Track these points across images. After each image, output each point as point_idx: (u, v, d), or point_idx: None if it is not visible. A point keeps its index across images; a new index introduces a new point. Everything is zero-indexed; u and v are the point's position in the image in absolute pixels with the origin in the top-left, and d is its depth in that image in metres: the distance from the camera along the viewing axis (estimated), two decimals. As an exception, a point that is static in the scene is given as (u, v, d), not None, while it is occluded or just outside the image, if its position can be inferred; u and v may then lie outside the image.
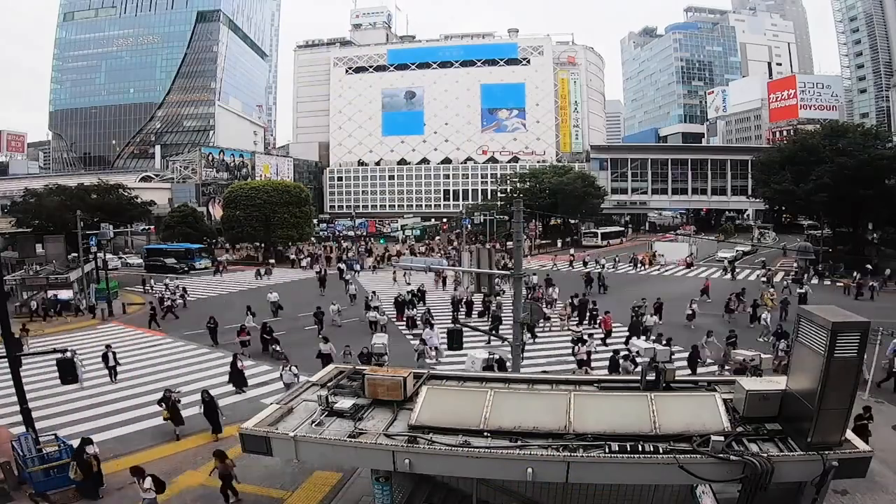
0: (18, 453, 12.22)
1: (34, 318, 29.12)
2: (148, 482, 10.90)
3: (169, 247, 54.66)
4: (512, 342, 14.73)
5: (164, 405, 14.77)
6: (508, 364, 14.84)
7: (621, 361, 17.74)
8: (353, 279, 39.05)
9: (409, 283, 38.16)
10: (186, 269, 49.75)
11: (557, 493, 9.13)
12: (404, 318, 27.99)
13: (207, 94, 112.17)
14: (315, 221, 72.12)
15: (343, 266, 46.15)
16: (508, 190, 77.76)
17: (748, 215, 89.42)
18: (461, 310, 29.69)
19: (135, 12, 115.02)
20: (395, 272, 41.77)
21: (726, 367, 18.04)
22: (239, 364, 18.06)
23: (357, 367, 11.55)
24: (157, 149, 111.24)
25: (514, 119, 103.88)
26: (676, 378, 10.00)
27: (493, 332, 21.22)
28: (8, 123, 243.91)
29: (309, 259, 52.65)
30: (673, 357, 10.17)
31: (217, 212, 74.08)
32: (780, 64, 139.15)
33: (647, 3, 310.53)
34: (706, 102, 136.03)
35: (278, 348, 21.01)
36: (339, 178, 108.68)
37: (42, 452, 12.28)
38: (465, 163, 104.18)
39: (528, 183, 76.25)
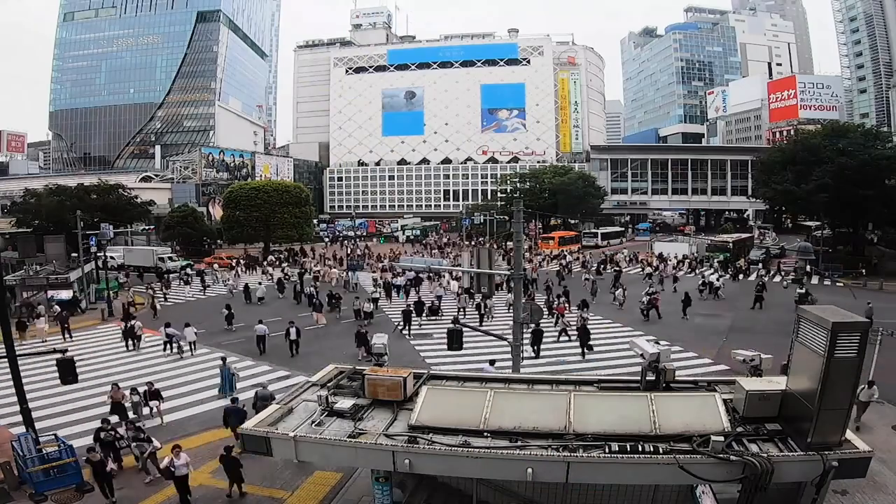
0: (18, 453, 12.21)
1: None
2: (183, 457, 11.45)
3: None
4: (512, 342, 14.73)
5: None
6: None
7: None
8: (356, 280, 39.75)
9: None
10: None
11: (557, 493, 9.12)
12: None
13: (207, 94, 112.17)
14: (315, 221, 72.10)
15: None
16: (508, 190, 77.77)
17: (748, 216, 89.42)
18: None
19: (135, 12, 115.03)
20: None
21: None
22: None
23: (357, 367, 11.56)
24: (157, 149, 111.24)
25: (514, 119, 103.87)
26: (676, 378, 10.00)
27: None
28: (8, 123, 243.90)
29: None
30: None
31: (217, 212, 74.03)
32: (780, 64, 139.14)
33: (647, 3, 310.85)
34: (706, 102, 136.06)
35: None
36: (339, 179, 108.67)
37: (42, 452, 12.27)
38: (465, 163, 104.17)
39: (528, 183, 76.27)
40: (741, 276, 41.37)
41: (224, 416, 14.19)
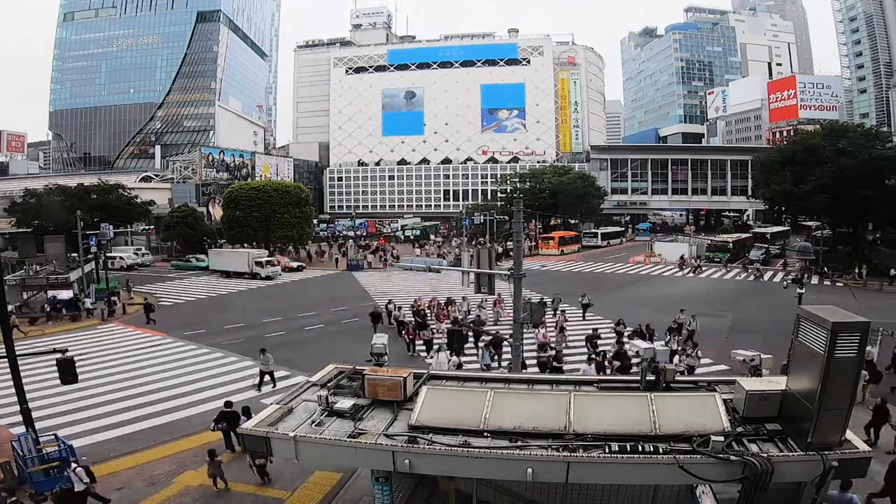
0: (18, 453, 12.21)
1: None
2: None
3: None
4: (512, 342, 14.74)
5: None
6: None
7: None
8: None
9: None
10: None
11: (557, 493, 9.13)
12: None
13: (207, 94, 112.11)
14: (315, 221, 72.09)
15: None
16: (508, 190, 77.78)
17: (748, 216, 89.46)
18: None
19: (135, 12, 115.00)
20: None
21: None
22: None
23: (357, 367, 11.56)
24: (157, 149, 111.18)
25: (514, 119, 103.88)
26: (676, 378, 10.01)
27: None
28: (8, 123, 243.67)
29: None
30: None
31: (217, 212, 74.00)
32: (780, 64, 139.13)
33: (647, 3, 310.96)
34: (706, 102, 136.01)
35: None
36: (339, 179, 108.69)
37: (42, 452, 12.27)
38: (465, 163, 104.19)
39: (528, 183, 76.27)
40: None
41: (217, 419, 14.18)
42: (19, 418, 13.19)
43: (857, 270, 39.74)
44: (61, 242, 46.41)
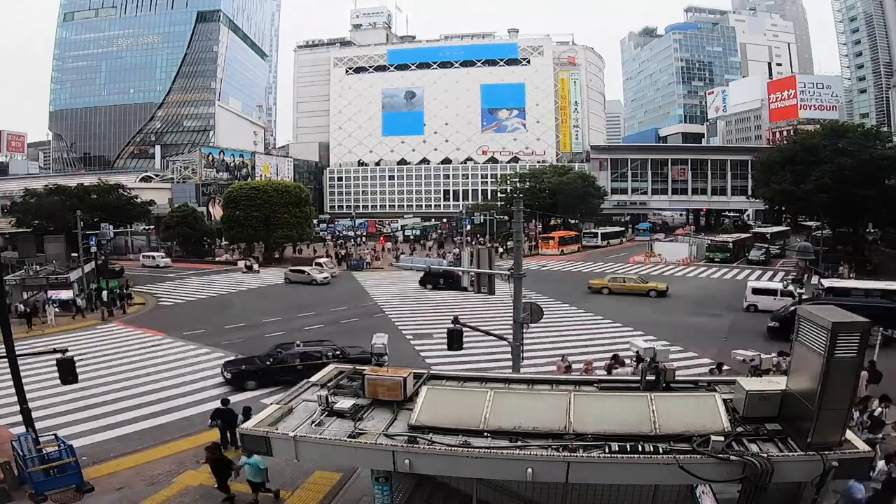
0: (18, 453, 12.21)
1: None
2: None
3: None
4: (512, 342, 14.74)
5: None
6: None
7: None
8: None
9: None
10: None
11: (557, 493, 9.12)
12: None
13: (207, 94, 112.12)
14: (315, 221, 72.06)
15: None
16: (508, 190, 77.79)
17: (748, 216, 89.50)
18: None
19: (135, 12, 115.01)
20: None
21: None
22: None
23: (357, 367, 11.57)
24: (157, 149, 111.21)
25: (514, 119, 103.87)
26: (676, 378, 10.01)
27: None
28: (8, 123, 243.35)
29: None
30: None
31: (217, 212, 73.99)
32: (780, 64, 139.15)
33: (647, 3, 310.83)
34: (706, 102, 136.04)
35: None
36: (339, 178, 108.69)
37: (42, 452, 12.27)
38: (465, 163, 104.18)
39: (528, 183, 76.30)
40: None
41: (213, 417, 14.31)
42: (19, 418, 13.19)
43: (841, 268, 39.87)
44: (61, 242, 46.43)
